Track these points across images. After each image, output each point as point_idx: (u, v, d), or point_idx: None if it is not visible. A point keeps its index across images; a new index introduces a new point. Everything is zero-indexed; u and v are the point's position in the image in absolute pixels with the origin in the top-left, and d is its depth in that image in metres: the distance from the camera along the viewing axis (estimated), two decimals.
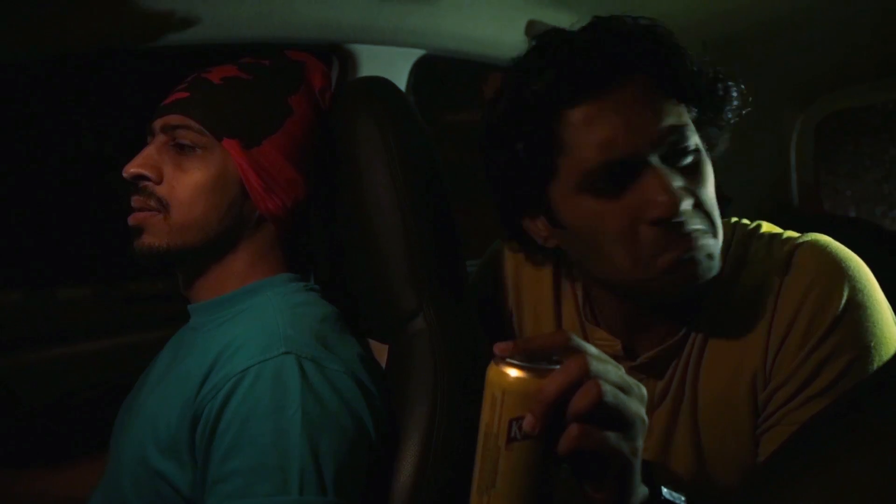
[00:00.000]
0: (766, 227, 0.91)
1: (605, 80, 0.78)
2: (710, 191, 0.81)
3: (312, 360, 0.84)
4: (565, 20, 0.91)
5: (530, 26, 1.51)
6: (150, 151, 0.92)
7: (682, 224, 0.77)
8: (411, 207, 0.94)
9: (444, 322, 0.93)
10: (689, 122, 0.81)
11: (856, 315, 0.78)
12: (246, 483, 0.76)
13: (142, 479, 0.84)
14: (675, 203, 0.76)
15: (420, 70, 1.53)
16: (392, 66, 1.44)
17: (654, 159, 0.78)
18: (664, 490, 0.69)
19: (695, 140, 0.81)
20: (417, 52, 1.48)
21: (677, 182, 0.77)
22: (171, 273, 1.01)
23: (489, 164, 0.90)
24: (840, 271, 0.80)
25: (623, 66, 0.78)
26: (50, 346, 1.25)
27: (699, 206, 0.79)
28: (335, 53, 1.43)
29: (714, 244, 0.80)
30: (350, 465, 0.81)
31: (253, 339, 0.84)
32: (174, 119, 0.91)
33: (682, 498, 0.71)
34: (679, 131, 0.79)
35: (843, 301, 0.78)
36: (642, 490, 0.67)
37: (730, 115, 0.87)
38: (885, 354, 0.77)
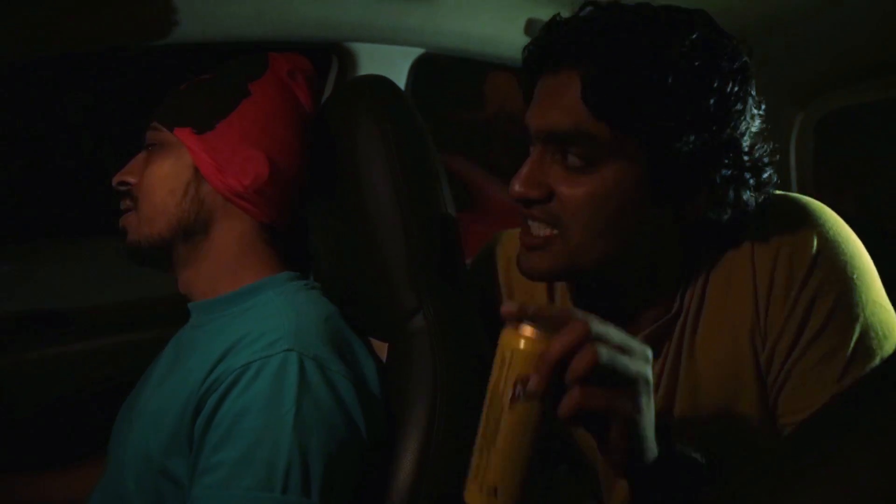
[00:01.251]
0: None
1: (550, 65, 0.82)
2: (575, 205, 0.79)
3: (314, 359, 0.84)
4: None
5: (530, 24, 1.51)
6: (136, 159, 0.98)
7: (523, 210, 0.83)
8: (410, 206, 0.94)
9: (443, 320, 0.93)
10: (594, 134, 0.77)
11: (830, 253, 0.80)
12: (230, 475, 0.77)
13: (146, 477, 0.84)
14: (518, 191, 0.81)
15: (420, 68, 1.53)
16: (391, 64, 1.44)
17: (538, 143, 0.83)
18: (678, 447, 0.70)
19: (590, 154, 0.78)
20: (417, 51, 1.48)
21: (530, 174, 0.81)
22: (152, 266, 1.02)
23: None
24: (805, 216, 0.82)
25: (559, 57, 0.81)
26: (47, 347, 1.25)
27: (554, 203, 0.81)
28: (334, 52, 1.43)
29: (538, 241, 0.83)
30: (339, 469, 0.81)
31: (258, 337, 0.85)
32: (151, 127, 0.97)
33: (698, 455, 0.71)
34: (562, 132, 0.79)
35: (815, 242, 0.80)
36: (655, 449, 0.67)
37: (683, 148, 0.76)
38: (867, 283, 0.81)
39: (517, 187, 0.81)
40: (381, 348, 0.99)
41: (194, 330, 0.97)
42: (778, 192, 0.87)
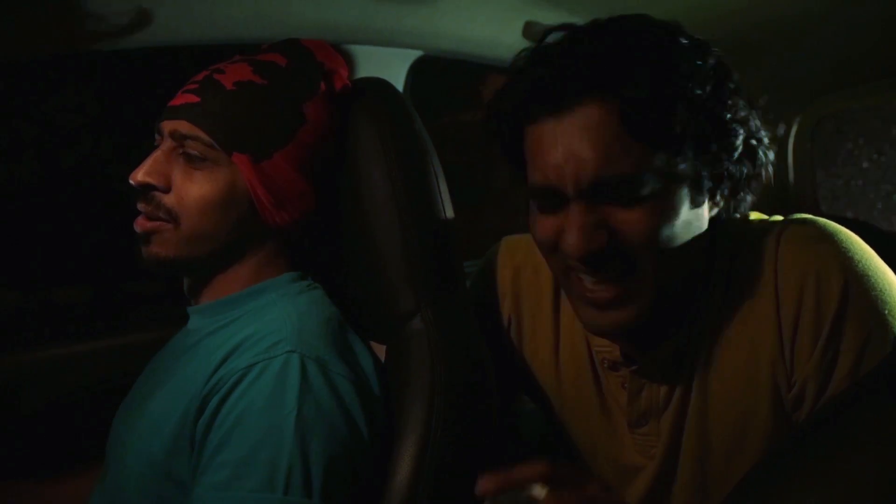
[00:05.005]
0: (755, 215, 0.89)
1: (563, 99, 0.74)
2: (657, 233, 0.75)
3: (316, 360, 0.84)
4: (563, 21, 0.91)
5: (528, 27, 1.51)
6: (158, 157, 0.90)
7: (583, 268, 0.77)
8: (409, 208, 0.94)
9: (441, 323, 0.92)
10: (645, 166, 0.73)
11: (860, 284, 0.77)
12: (232, 475, 0.77)
13: (148, 481, 0.84)
14: (580, 247, 0.74)
15: (418, 71, 1.53)
16: (389, 67, 1.44)
17: (580, 199, 0.75)
18: None
19: (649, 187, 0.74)
20: (415, 53, 1.48)
21: (590, 231, 0.74)
22: (172, 277, 1.00)
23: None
24: (832, 242, 0.79)
25: (584, 87, 0.73)
26: (46, 347, 1.25)
27: (622, 251, 0.76)
28: None
29: (615, 292, 0.78)
30: (339, 470, 0.81)
31: (260, 339, 0.85)
32: (183, 127, 0.89)
33: None
34: (616, 179, 0.73)
35: (843, 272, 0.77)
36: None
37: (731, 168, 0.78)
38: (892, 314, 0.77)
39: (579, 250, 0.74)
40: (380, 350, 0.99)
41: (195, 332, 0.96)
42: (800, 214, 0.85)
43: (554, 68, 0.75)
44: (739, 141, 0.77)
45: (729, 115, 0.76)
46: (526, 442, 1.08)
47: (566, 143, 0.74)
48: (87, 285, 1.74)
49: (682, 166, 0.75)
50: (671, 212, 0.76)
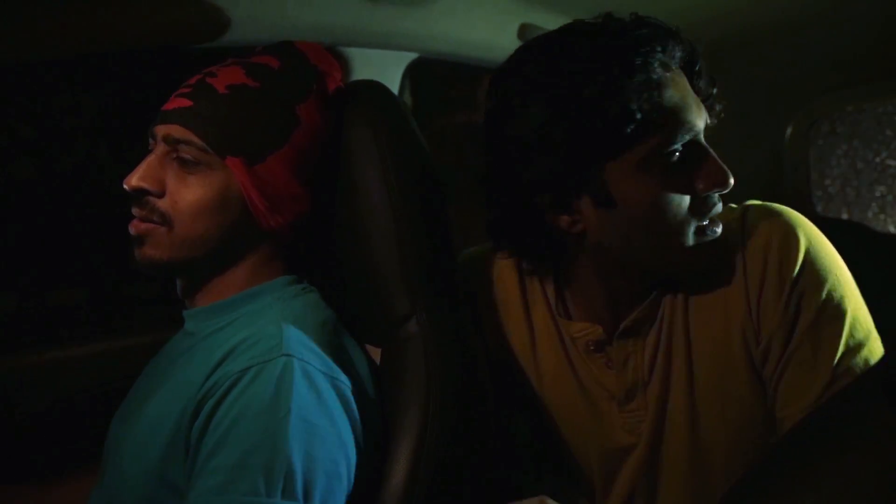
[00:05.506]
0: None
1: (672, 63, 0.86)
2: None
3: (312, 364, 0.84)
4: (559, 24, 0.91)
5: (523, 30, 1.51)
6: (152, 162, 0.90)
7: (714, 197, 0.87)
8: (404, 211, 0.94)
9: (436, 326, 0.92)
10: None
11: (815, 255, 0.88)
12: (227, 479, 0.76)
13: (144, 485, 0.84)
14: (728, 174, 0.86)
15: (413, 73, 1.53)
16: (385, 69, 1.44)
17: (703, 139, 0.87)
18: None
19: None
20: (410, 56, 1.48)
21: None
22: (168, 279, 1.00)
23: (507, 152, 0.88)
24: (789, 223, 0.89)
25: (679, 56, 0.87)
26: (43, 350, 1.25)
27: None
28: None
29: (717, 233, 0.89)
30: (335, 474, 0.81)
31: (255, 342, 0.84)
32: (176, 132, 0.89)
33: None
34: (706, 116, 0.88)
35: (801, 246, 0.87)
36: None
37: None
38: (848, 282, 0.89)
39: (728, 173, 0.86)
40: (375, 354, 0.99)
41: (191, 336, 0.96)
42: (755, 201, 0.95)
43: (662, 37, 0.85)
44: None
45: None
46: (515, 443, 1.08)
47: (689, 97, 0.86)
48: (84, 288, 1.73)
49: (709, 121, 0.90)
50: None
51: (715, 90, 0.92)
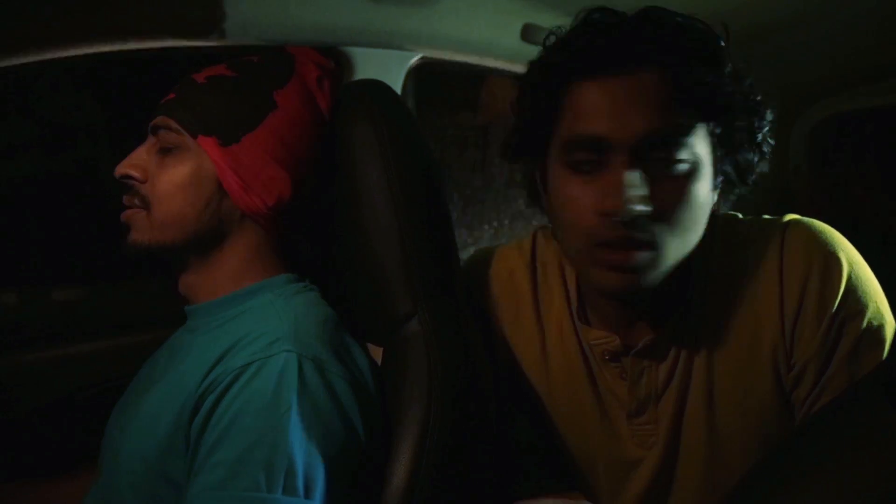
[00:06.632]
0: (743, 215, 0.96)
1: (618, 64, 0.80)
2: (686, 206, 0.81)
3: (313, 360, 0.84)
4: (562, 24, 0.91)
5: (526, 30, 1.51)
6: (139, 152, 0.95)
7: (623, 229, 0.78)
8: (406, 210, 0.94)
9: (438, 325, 0.92)
10: (690, 132, 0.80)
11: (858, 280, 0.84)
12: (228, 475, 0.76)
13: (142, 481, 0.84)
14: (620, 206, 0.77)
15: (416, 73, 1.53)
16: (388, 69, 1.44)
17: (626, 154, 0.78)
18: None
19: (689, 152, 0.80)
20: (413, 56, 1.48)
21: (639, 190, 0.77)
22: (167, 274, 1.01)
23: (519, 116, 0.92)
24: (830, 243, 0.86)
25: (639, 57, 0.79)
26: (44, 348, 1.25)
27: (661, 217, 0.79)
28: (330, 56, 1.43)
29: (651, 259, 0.80)
30: (336, 471, 0.81)
31: (256, 338, 0.85)
32: (160, 121, 0.94)
33: None
34: (664, 136, 0.79)
35: (844, 270, 0.84)
36: None
37: (759, 138, 0.87)
38: (886, 308, 0.85)
39: (629, 202, 0.76)
40: (376, 353, 0.99)
41: (191, 333, 0.96)
42: (794, 216, 0.91)
43: (622, 34, 0.80)
44: (766, 121, 0.86)
45: (759, 97, 0.85)
46: (518, 446, 1.08)
47: (621, 97, 0.79)
48: (84, 286, 1.73)
49: (714, 137, 0.83)
50: (699, 187, 0.82)
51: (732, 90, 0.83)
